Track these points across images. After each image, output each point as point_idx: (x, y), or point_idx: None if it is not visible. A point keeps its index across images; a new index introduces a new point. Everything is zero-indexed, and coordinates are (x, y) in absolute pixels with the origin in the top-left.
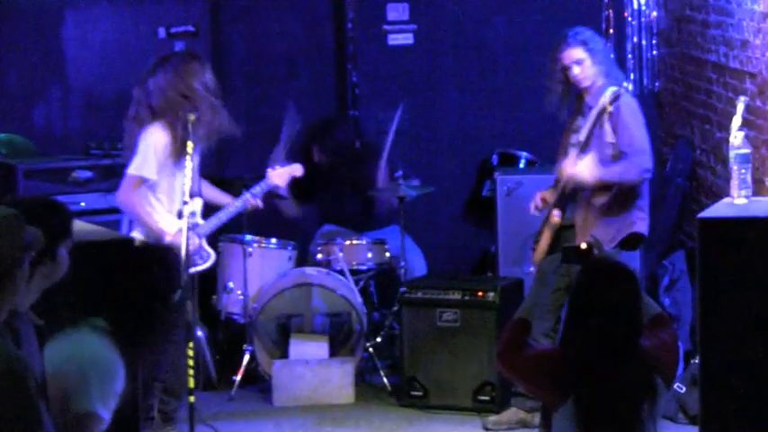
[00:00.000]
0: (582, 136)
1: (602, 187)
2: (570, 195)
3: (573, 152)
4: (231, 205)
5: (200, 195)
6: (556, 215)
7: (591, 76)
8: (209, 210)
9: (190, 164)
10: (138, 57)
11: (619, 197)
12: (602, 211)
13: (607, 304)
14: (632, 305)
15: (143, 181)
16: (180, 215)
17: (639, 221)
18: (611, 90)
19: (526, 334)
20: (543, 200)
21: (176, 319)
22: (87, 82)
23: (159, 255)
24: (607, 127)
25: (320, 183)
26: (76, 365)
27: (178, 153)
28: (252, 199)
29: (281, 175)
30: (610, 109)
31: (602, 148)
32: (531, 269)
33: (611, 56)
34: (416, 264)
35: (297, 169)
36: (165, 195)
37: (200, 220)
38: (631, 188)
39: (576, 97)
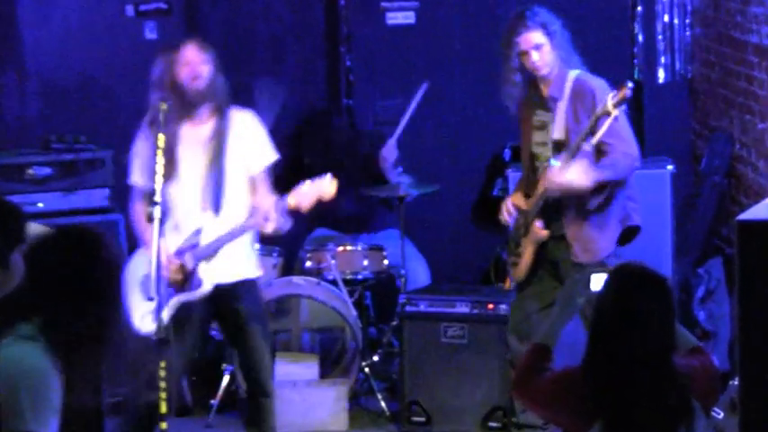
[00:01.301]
0: (555, 134)
1: (595, 189)
2: (554, 206)
3: (562, 157)
4: (239, 226)
5: (216, 209)
6: (539, 226)
7: (550, 63)
8: None
9: (161, 159)
10: (104, 38)
11: (613, 193)
12: (598, 214)
13: (636, 312)
14: (665, 313)
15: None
16: (151, 218)
17: (633, 213)
18: (573, 76)
19: (546, 361)
20: (515, 206)
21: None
22: (46, 66)
23: (73, 239)
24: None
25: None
26: (2, 382)
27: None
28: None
29: (305, 196)
30: (615, 113)
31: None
32: (507, 285)
33: (567, 37)
34: (418, 272)
35: (328, 186)
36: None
37: (202, 240)
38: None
39: (530, 86)
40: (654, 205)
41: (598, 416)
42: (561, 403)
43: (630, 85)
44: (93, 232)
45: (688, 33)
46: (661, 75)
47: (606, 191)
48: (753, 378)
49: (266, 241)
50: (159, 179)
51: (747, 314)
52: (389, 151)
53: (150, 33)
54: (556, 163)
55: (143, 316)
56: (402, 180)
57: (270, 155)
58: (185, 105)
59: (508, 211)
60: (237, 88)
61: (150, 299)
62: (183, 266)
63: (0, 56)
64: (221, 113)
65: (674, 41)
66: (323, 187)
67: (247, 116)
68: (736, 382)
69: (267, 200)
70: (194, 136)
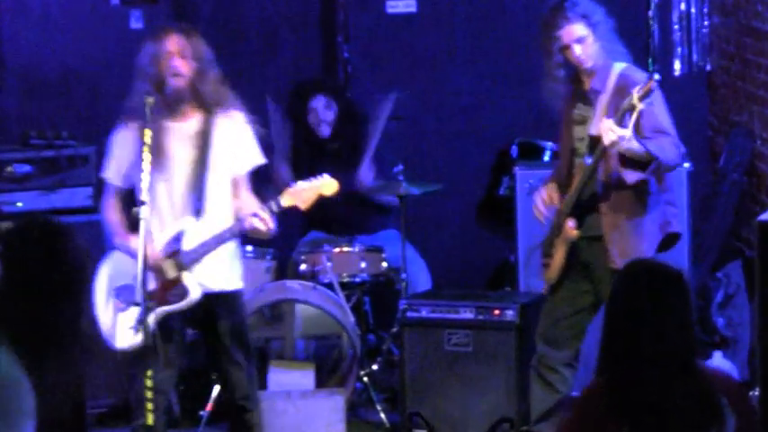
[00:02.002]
0: (594, 129)
1: (635, 164)
2: (588, 204)
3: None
4: (227, 230)
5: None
6: (571, 226)
7: (593, 56)
8: None
9: (148, 157)
10: (87, 27)
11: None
12: (637, 218)
13: (655, 308)
14: (681, 310)
15: None
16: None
17: (674, 220)
18: (618, 69)
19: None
20: (550, 197)
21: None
22: (25, 58)
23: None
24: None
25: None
26: None
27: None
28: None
29: (302, 194)
30: (641, 107)
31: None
32: (544, 288)
33: (613, 31)
34: (419, 276)
35: (328, 186)
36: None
37: (185, 245)
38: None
39: (573, 80)
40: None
41: (623, 426)
42: (591, 424)
43: (657, 77)
44: (57, 224)
45: (706, 23)
46: (677, 67)
47: (648, 171)
48: None
49: (259, 244)
50: (146, 177)
51: None
52: (365, 174)
53: (136, 23)
54: (589, 161)
55: (121, 328)
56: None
57: (256, 158)
58: (166, 101)
59: (544, 200)
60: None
61: (133, 304)
62: (163, 274)
63: None
64: (208, 111)
65: (691, 32)
66: (323, 186)
67: (237, 115)
68: (756, 393)
69: (250, 203)
70: (179, 132)
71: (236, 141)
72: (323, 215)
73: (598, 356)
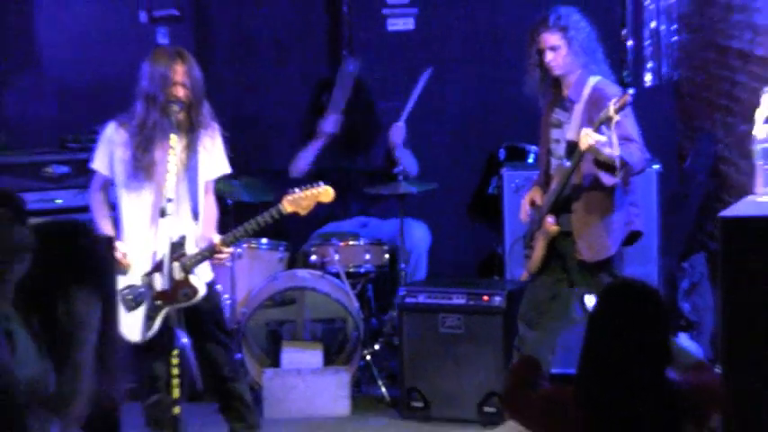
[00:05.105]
0: (570, 134)
1: (608, 168)
2: (565, 202)
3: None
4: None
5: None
6: (550, 222)
7: (563, 66)
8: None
9: (173, 159)
10: (118, 42)
11: (619, 197)
12: (605, 216)
13: (629, 327)
14: (659, 330)
15: None
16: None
17: (636, 219)
18: (593, 82)
19: (536, 374)
20: (532, 202)
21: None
22: (62, 69)
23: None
24: (606, 132)
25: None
26: None
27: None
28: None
29: (300, 201)
30: (617, 119)
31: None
32: (524, 276)
33: (596, 45)
34: (419, 236)
35: (325, 194)
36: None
37: (188, 248)
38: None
39: (552, 84)
40: (641, 202)
41: (586, 430)
42: (550, 421)
43: (631, 92)
44: (77, 223)
45: (674, 39)
46: (648, 78)
47: (620, 174)
48: (735, 367)
49: (274, 237)
50: (172, 177)
51: (730, 306)
52: (397, 133)
53: (162, 38)
54: (567, 164)
55: (131, 324)
56: (409, 162)
57: (225, 167)
58: (163, 120)
59: (525, 210)
60: (244, 88)
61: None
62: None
63: (19, 60)
64: (195, 128)
65: (660, 47)
66: (321, 194)
67: (215, 130)
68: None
69: (211, 207)
70: (171, 146)
71: (213, 152)
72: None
73: (577, 365)
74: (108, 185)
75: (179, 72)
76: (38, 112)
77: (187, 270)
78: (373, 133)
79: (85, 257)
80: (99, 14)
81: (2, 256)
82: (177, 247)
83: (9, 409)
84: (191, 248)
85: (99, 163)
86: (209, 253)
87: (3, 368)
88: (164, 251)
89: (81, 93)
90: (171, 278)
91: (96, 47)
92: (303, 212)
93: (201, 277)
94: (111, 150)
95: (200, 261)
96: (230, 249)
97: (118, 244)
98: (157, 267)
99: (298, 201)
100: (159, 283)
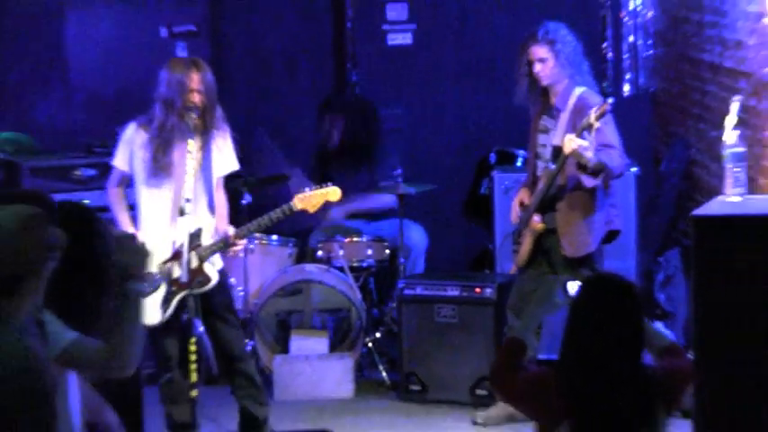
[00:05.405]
0: (556, 140)
1: (593, 171)
2: (550, 202)
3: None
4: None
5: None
6: (537, 220)
7: (550, 76)
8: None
9: (192, 161)
10: (140, 55)
11: (602, 183)
12: (587, 216)
13: (606, 315)
14: (632, 318)
15: None
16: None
17: (615, 219)
18: (578, 93)
19: (521, 355)
20: (521, 203)
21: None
22: (90, 80)
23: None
24: (589, 138)
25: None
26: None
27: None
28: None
29: (310, 200)
30: (597, 126)
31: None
32: (513, 269)
33: (581, 58)
34: (417, 238)
35: (333, 193)
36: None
37: (204, 240)
38: (610, 182)
39: (540, 93)
40: (620, 202)
41: (567, 416)
42: (534, 402)
43: (611, 101)
44: (85, 207)
45: (650, 53)
46: (627, 89)
47: (601, 176)
48: (705, 352)
49: (283, 233)
50: (190, 179)
51: (701, 297)
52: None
53: (181, 52)
54: (552, 167)
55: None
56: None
57: (234, 164)
58: (181, 123)
59: (515, 212)
60: (257, 97)
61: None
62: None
63: (50, 73)
64: (208, 130)
65: (638, 60)
66: (329, 193)
67: (225, 131)
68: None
69: (221, 200)
70: (187, 146)
71: (224, 151)
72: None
73: (561, 352)
74: (125, 181)
75: (195, 80)
76: (67, 120)
77: (203, 259)
78: (376, 141)
79: (95, 233)
80: (123, 30)
81: (37, 255)
82: (194, 239)
83: (40, 394)
84: (206, 240)
85: (119, 160)
86: (223, 244)
87: (35, 357)
88: (182, 242)
89: (107, 102)
90: (188, 267)
91: (120, 60)
92: (312, 210)
93: (215, 265)
94: (131, 149)
95: (215, 251)
96: (243, 241)
97: (137, 235)
98: (175, 256)
99: (308, 199)
100: (176, 271)
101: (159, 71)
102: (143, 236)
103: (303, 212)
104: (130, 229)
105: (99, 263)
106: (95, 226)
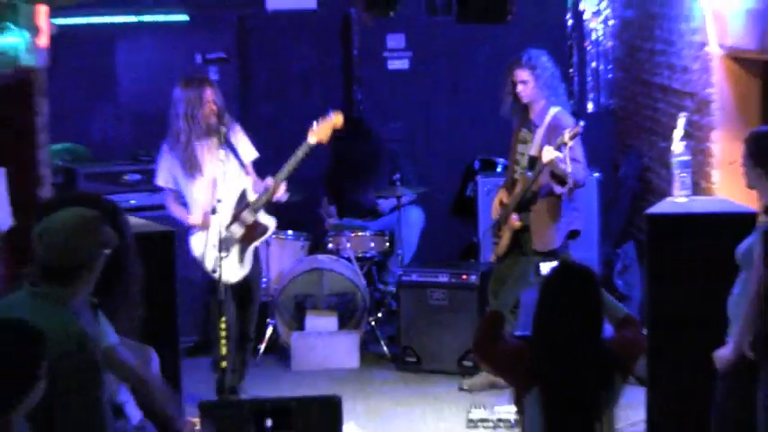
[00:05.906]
0: (533, 151)
1: (562, 180)
2: (526, 203)
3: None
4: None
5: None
6: (515, 218)
7: (530, 96)
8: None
9: (222, 168)
10: (179, 77)
11: (569, 192)
12: (556, 220)
13: (570, 298)
14: (592, 300)
15: None
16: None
17: (577, 221)
18: (553, 112)
19: (500, 326)
20: (501, 202)
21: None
22: (135, 100)
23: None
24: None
25: (341, 182)
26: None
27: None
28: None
29: (320, 132)
30: (570, 144)
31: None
32: (492, 258)
33: (558, 82)
34: (415, 217)
35: (337, 119)
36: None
37: (250, 198)
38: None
39: (522, 109)
40: (584, 204)
41: (537, 380)
42: (510, 371)
43: (582, 123)
44: (109, 200)
45: (610, 76)
46: (590, 107)
47: (568, 186)
48: (657, 330)
49: (298, 228)
50: (221, 183)
51: (653, 283)
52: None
53: (213, 75)
54: (530, 174)
55: (226, 269)
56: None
57: (254, 152)
58: (202, 129)
59: (495, 209)
60: (278, 113)
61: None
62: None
63: (102, 93)
64: (224, 131)
65: (599, 82)
66: (333, 120)
67: (237, 129)
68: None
69: (255, 179)
70: (210, 147)
71: (241, 142)
72: (353, 205)
73: (532, 329)
74: (173, 192)
75: (208, 93)
76: (116, 133)
77: (256, 211)
78: (378, 155)
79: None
80: (164, 57)
81: (93, 251)
82: (242, 199)
83: (92, 371)
84: (251, 197)
85: (161, 180)
86: (268, 193)
87: (89, 338)
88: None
89: (150, 118)
90: (244, 225)
91: (162, 82)
92: (325, 140)
93: (266, 221)
94: (167, 167)
95: (263, 202)
96: (284, 186)
97: (193, 216)
98: (234, 218)
99: (318, 132)
100: (238, 231)
101: (173, 90)
102: (194, 219)
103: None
104: (186, 217)
105: (123, 255)
106: (119, 219)
